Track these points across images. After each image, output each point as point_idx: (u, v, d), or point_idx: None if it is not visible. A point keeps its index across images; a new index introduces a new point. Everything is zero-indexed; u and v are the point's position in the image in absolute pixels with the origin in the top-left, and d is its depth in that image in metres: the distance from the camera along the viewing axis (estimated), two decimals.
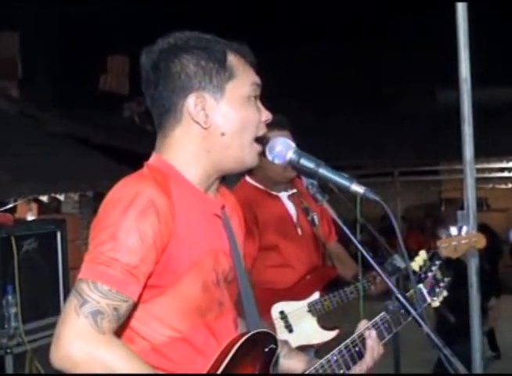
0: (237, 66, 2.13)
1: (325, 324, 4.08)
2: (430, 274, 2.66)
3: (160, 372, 1.98)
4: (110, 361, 1.84)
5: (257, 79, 2.18)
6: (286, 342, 2.49)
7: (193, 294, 2.05)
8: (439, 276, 2.69)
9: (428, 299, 2.63)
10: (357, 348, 2.31)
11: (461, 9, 4.46)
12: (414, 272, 2.64)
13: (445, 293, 2.70)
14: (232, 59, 2.13)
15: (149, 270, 1.94)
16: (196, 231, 2.07)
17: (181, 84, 2.09)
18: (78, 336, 1.83)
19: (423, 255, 2.71)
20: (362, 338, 2.32)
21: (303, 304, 4.06)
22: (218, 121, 2.09)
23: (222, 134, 2.10)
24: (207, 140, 2.10)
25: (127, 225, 1.91)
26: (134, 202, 1.94)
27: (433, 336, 1.87)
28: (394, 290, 1.99)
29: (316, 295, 4.08)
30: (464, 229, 3.70)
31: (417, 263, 2.67)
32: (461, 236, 3.68)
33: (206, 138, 2.10)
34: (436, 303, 2.67)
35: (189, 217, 2.05)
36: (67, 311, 1.86)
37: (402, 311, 2.26)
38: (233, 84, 2.11)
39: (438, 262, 2.71)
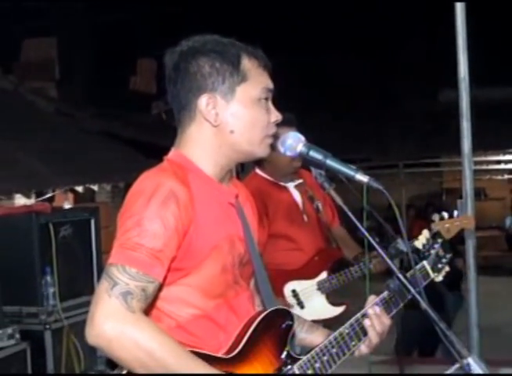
0: (250, 70, 2.14)
1: (333, 301, 4.12)
2: (432, 251, 2.66)
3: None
4: (141, 337, 1.86)
5: (269, 84, 2.18)
6: (305, 318, 2.50)
7: (214, 276, 2.08)
8: (441, 253, 2.68)
9: (432, 275, 2.62)
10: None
11: (459, 15, 4.46)
12: (418, 250, 2.65)
13: (447, 268, 2.69)
14: (246, 63, 2.14)
15: (173, 254, 1.96)
16: (213, 218, 2.10)
17: (196, 84, 2.12)
18: (110, 315, 1.85)
19: (425, 234, 2.71)
20: (368, 314, 2.31)
21: (312, 283, 4.10)
22: (228, 119, 2.12)
23: (231, 131, 2.12)
24: (217, 137, 2.13)
25: (150, 213, 1.94)
26: (156, 193, 1.96)
27: (430, 311, 1.87)
28: (395, 270, 2.00)
29: (324, 274, 4.13)
30: (455, 212, 3.74)
31: (420, 242, 2.68)
32: (453, 218, 3.73)
33: (217, 134, 2.13)
34: (439, 278, 2.66)
35: (206, 205, 2.07)
36: (99, 293, 1.88)
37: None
38: (244, 87, 2.12)
39: (440, 240, 2.71)
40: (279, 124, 2.24)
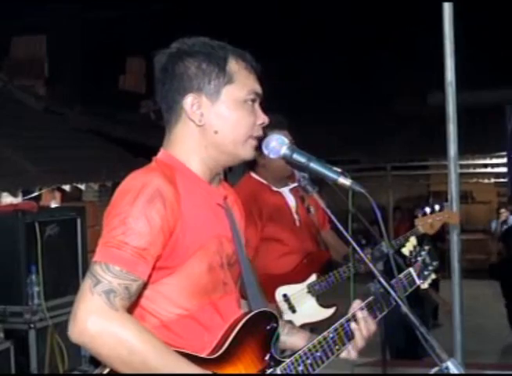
0: (237, 72, 2.15)
1: (323, 303, 4.13)
2: (419, 258, 2.64)
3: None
4: (123, 334, 1.86)
5: (256, 87, 2.19)
6: (288, 321, 2.50)
7: (199, 275, 2.07)
8: (428, 260, 2.67)
9: (418, 282, 2.61)
10: (353, 326, 2.29)
11: (447, 18, 4.47)
12: (404, 256, 2.64)
13: (433, 276, 2.68)
14: (234, 65, 2.15)
15: (158, 253, 1.96)
16: (201, 218, 2.09)
17: (183, 85, 2.13)
18: (93, 312, 1.85)
19: (413, 241, 2.70)
20: (355, 317, 2.31)
21: (302, 286, 4.10)
22: (212, 120, 2.13)
23: (215, 132, 2.13)
24: (202, 137, 2.14)
25: (136, 212, 1.94)
26: (142, 192, 1.97)
27: (410, 315, 1.88)
28: (376, 273, 2.00)
29: (313, 277, 4.13)
30: (437, 207, 3.73)
31: (407, 248, 2.66)
32: (435, 213, 3.71)
33: (201, 134, 2.14)
34: (425, 285, 2.65)
35: (194, 205, 2.07)
36: (83, 290, 1.89)
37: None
38: (230, 88, 2.13)
39: (426, 247, 2.69)
40: (270, 127, 2.25)
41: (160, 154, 2.20)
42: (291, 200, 4.23)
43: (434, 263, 2.70)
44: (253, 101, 2.17)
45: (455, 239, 4.46)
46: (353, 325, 2.27)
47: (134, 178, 2.04)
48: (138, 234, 1.92)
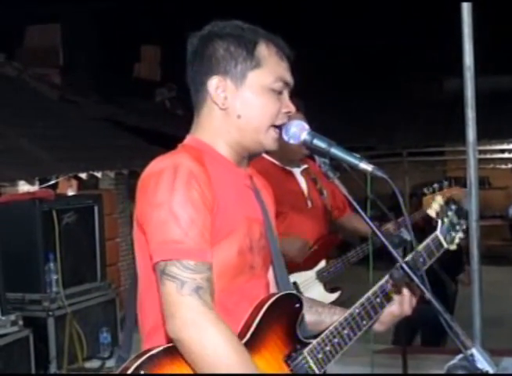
0: (266, 57, 2.11)
1: (329, 287, 4.14)
2: (446, 219, 2.52)
3: None
4: (220, 344, 1.84)
5: (285, 75, 2.14)
6: (314, 300, 2.46)
7: (229, 259, 2.03)
8: (455, 220, 2.55)
9: (445, 245, 2.49)
10: (378, 300, 2.25)
11: (466, 4, 4.43)
12: (431, 218, 2.51)
13: (461, 235, 2.55)
14: (264, 49, 2.11)
15: (209, 231, 1.93)
16: (231, 200, 2.05)
17: (210, 67, 2.10)
18: (193, 316, 1.83)
19: (439, 201, 2.55)
20: (383, 290, 2.26)
21: (312, 273, 4.10)
22: (236, 104, 2.09)
23: (238, 116, 2.09)
24: (226, 121, 2.11)
25: (179, 199, 1.89)
26: (177, 175, 1.92)
27: (434, 301, 1.86)
28: (399, 259, 1.98)
29: (323, 263, 4.13)
30: (445, 183, 3.70)
31: (434, 209, 2.52)
32: (443, 190, 3.69)
33: (225, 118, 2.11)
34: (453, 246, 2.51)
35: (223, 187, 2.03)
36: (170, 297, 1.85)
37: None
38: (257, 74, 2.09)
39: (453, 207, 2.56)
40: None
41: (187, 140, 2.17)
42: (302, 182, 4.21)
43: (462, 222, 2.56)
44: (280, 89, 2.13)
45: (473, 225, 4.43)
46: (389, 286, 2.24)
47: (163, 160, 1.99)
48: (191, 221, 1.88)
